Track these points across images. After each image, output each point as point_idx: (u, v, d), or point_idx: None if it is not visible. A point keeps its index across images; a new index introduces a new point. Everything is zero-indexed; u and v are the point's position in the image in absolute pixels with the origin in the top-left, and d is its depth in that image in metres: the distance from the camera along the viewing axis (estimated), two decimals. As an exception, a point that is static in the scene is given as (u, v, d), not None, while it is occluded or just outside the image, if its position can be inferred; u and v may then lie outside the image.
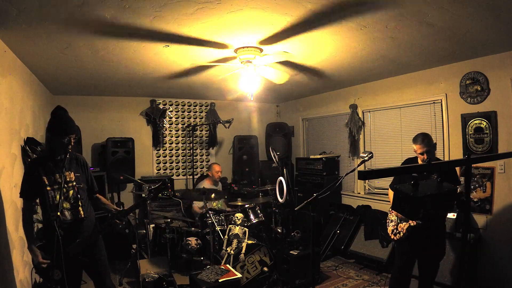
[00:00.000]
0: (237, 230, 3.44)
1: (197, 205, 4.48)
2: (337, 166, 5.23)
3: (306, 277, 3.50)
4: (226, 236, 3.43)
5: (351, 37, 2.74)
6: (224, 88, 4.80)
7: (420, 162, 2.76)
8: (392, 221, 2.80)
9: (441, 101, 3.77)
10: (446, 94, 3.72)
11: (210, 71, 3.75)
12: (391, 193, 3.04)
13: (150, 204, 4.69)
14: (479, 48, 3.10)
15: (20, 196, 2.21)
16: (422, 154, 2.67)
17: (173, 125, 5.81)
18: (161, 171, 5.69)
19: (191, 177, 5.49)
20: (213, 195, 3.81)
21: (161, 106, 5.66)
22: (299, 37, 2.71)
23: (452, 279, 3.16)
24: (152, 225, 4.25)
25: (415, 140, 2.72)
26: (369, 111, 4.81)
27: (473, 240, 3.23)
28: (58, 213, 2.10)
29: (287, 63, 3.46)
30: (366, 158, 2.42)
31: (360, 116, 4.87)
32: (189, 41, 2.74)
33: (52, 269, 2.04)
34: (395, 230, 2.74)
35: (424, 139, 2.66)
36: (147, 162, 5.55)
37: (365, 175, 1.11)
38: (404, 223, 2.67)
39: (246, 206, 4.01)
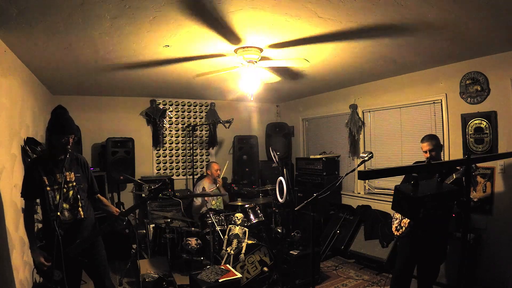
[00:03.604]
0: (237, 230, 3.44)
1: (197, 201, 4.48)
2: (337, 166, 5.23)
3: (306, 277, 3.50)
4: (226, 236, 3.43)
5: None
6: (224, 88, 4.79)
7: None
8: (396, 218, 2.87)
9: (441, 101, 3.77)
10: (446, 94, 3.72)
11: (211, 70, 3.74)
12: None
13: (150, 204, 4.69)
14: (479, 48, 3.10)
15: (22, 196, 2.21)
16: (426, 152, 2.79)
17: (173, 125, 5.81)
18: (161, 171, 5.69)
19: (191, 177, 5.49)
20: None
21: (161, 106, 5.66)
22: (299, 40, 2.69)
23: (451, 279, 3.15)
24: (152, 225, 4.25)
25: (422, 139, 2.87)
26: (369, 111, 4.81)
27: (473, 240, 3.23)
28: (58, 213, 2.10)
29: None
30: (366, 158, 2.44)
31: (360, 116, 4.87)
32: (189, 42, 2.74)
33: (52, 270, 2.04)
34: (398, 226, 2.80)
35: (430, 139, 2.81)
36: (147, 162, 5.55)
37: (365, 175, 1.12)
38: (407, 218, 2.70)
39: (246, 206, 4.01)
